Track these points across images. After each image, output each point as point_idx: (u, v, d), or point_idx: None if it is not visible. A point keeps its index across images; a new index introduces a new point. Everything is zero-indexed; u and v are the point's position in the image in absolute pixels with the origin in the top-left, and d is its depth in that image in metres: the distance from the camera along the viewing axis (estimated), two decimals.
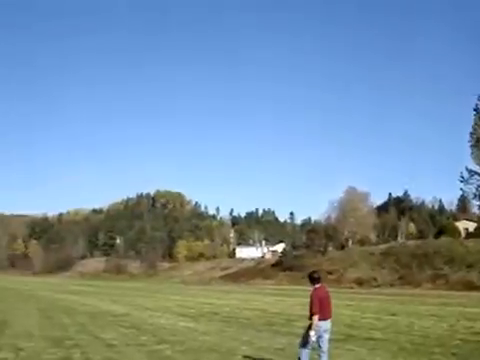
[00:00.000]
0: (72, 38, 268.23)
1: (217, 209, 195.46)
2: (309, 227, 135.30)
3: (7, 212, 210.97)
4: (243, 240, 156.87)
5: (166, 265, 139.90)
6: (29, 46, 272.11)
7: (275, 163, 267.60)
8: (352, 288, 67.92)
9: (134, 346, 14.60)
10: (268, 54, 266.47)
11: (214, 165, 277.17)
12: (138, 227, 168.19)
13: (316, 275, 10.07)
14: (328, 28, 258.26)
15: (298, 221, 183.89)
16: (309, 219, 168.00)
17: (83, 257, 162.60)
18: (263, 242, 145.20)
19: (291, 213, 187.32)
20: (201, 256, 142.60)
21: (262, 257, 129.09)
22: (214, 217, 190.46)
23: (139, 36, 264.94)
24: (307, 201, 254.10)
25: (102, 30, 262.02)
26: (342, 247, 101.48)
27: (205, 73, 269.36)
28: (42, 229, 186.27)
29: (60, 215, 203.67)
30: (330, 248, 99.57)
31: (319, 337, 9.76)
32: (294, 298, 42.60)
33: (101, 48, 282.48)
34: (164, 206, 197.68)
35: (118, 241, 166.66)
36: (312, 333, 9.53)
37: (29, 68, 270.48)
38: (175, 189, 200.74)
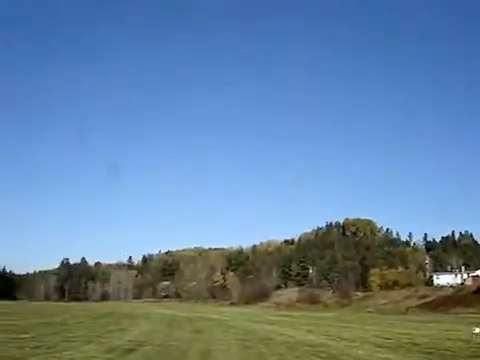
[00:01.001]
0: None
1: (410, 235, 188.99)
2: None
3: (206, 246, 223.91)
4: (440, 266, 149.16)
5: (360, 294, 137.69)
6: None
7: (469, 180, 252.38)
8: None
9: None
10: None
11: (404, 190, 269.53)
12: (329, 256, 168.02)
13: None
14: None
15: None
16: None
17: (278, 287, 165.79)
18: (462, 268, 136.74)
19: None
20: (395, 284, 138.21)
21: (462, 284, 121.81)
22: (407, 243, 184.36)
23: None
24: None
25: None
26: None
27: None
28: (238, 261, 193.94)
29: (254, 247, 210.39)
30: None
31: None
32: None
33: None
34: (354, 234, 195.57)
35: (311, 271, 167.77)
36: None
37: None
38: (364, 216, 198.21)
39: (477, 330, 9.49)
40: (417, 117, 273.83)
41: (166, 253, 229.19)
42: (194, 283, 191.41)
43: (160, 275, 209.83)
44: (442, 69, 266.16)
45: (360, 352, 22.36)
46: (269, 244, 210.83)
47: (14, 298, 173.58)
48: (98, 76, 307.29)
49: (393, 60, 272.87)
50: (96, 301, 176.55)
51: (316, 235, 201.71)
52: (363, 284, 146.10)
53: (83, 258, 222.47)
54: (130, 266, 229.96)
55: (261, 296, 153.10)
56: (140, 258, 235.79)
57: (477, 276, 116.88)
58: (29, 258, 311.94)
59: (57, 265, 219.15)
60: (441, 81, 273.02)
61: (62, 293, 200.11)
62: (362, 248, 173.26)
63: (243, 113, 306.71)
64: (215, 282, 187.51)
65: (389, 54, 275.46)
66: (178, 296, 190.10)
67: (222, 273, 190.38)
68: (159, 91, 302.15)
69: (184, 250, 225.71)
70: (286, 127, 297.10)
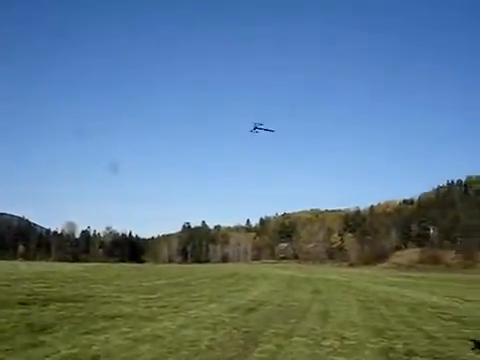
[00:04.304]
0: None
1: None
2: None
3: (322, 208, 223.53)
4: None
5: None
6: None
7: None
8: None
9: (458, 339, 14.26)
10: None
11: None
12: (452, 216, 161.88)
13: None
14: None
15: None
16: None
17: (397, 248, 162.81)
18: None
19: None
20: None
21: None
22: None
23: None
24: None
25: None
26: None
27: None
28: (355, 222, 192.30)
29: (371, 208, 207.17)
30: None
31: None
32: None
33: None
34: (478, 192, 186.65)
35: (432, 231, 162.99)
36: None
37: None
38: None
39: None
40: None
41: (283, 215, 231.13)
42: (312, 244, 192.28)
43: (278, 237, 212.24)
44: None
45: None
46: (387, 205, 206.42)
47: (140, 261, 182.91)
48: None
49: None
50: (217, 262, 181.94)
51: (437, 194, 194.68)
52: None
53: (203, 222, 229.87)
54: (248, 229, 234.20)
55: (380, 257, 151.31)
56: (258, 221, 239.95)
57: None
58: (153, 223, 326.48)
59: (179, 229, 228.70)
60: None
61: (184, 255, 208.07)
62: None
63: None
64: (332, 243, 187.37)
65: None
66: (296, 257, 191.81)
67: (340, 234, 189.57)
68: None
69: (300, 212, 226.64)
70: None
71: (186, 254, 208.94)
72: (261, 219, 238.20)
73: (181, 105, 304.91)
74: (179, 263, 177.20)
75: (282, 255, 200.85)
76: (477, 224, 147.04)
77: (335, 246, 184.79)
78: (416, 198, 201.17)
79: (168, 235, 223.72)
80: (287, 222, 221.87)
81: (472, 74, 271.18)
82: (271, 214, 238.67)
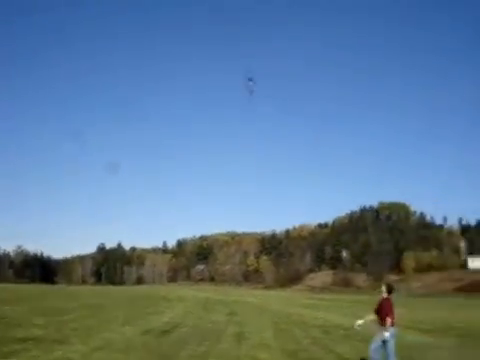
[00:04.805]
0: None
1: (444, 218, 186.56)
2: None
3: (239, 230, 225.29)
4: (475, 250, 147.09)
5: (394, 277, 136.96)
6: None
7: None
8: None
9: None
10: None
11: (438, 173, 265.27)
12: (363, 240, 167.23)
13: (393, 287, 12.16)
14: None
15: None
16: None
17: (311, 271, 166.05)
18: None
19: None
20: (430, 267, 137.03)
21: None
22: (441, 227, 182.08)
23: None
24: None
25: None
26: None
27: None
28: (272, 245, 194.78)
29: (287, 231, 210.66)
30: None
31: (386, 342, 11.21)
32: None
33: None
34: (388, 218, 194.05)
35: (344, 254, 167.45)
36: (387, 334, 11.12)
37: None
38: (399, 200, 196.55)
39: (359, 322, 10.68)
40: (448, 97, 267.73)
41: (200, 237, 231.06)
42: (228, 267, 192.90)
43: (194, 259, 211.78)
44: None
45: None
46: (302, 228, 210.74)
47: (52, 282, 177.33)
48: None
49: None
50: (132, 284, 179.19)
51: (350, 219, 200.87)
52: (397, 267, 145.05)
53: (119, 243, 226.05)
54: (165, 250, 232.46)
55: (295, 279, 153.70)
56: (174, 243, 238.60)
57: None
58: (66, 243, 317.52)
59: (94, 250, 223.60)
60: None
61: (99, 277, 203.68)
62: (396, 232, 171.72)
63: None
64: (249, 266, 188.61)
65: None
66: (212, 280, 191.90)
67: (256, 257, 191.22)
68: None
69: (218, 234, 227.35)
70: (318, 108, 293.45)
71: (100, 276, 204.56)
72: (178, 241, 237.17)
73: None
74: (93, 285, 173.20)
75: (199, 277, 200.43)
76: (387, 248, 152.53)
77: (251, 268, 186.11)
78: (330, 222, 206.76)
79: (82, 256, 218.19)
80: (204, 244, 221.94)
81: (387, 104, 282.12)
82: (188, 236, 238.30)
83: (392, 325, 11.33)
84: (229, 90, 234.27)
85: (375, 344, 11.49)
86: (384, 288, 11.92)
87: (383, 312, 11.47)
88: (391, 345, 11.33)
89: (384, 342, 11.32)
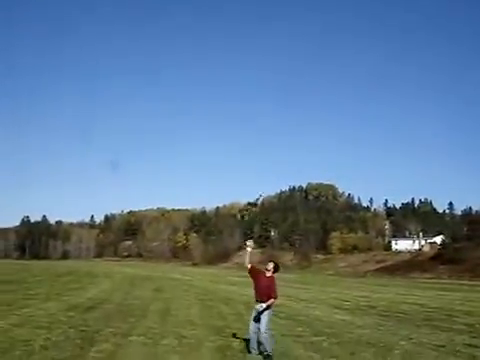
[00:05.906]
0: None
1: (370, 200, 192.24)
2: (470, 217, 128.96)
3: (169, 207, 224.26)
4: (399, 232, 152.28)
5: (320, 257, 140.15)
6: None
7: (431, 150, 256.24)
8: None
9: (290, 336, 14.86)
10: None
11: (366, 155, 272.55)
12: (292, 219, 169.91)
13: (280, 266, 12.16)
14: None
15: (458, 211, 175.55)
16: (470, 209, 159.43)
17: (239, 248, 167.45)
18: (420, 234, 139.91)
19: (450, 203, 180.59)
20: (355, 248, 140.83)
21: (419, 250, 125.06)
22: (368, 208, 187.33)
23: None
24: (467, 190, 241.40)
25: None
26: None
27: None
28: (201, 222, 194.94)
29: (217, 208, 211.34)
30: None
31: (262, 315, 11.07)
32: (455, 293, 40.88)
33: None
34: (317, 198, 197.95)
35: (273, 233, 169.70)
36: (263, 305, 11.05)
37: None
38: (327, 181, 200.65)
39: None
40: (384, 84, 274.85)
41: (128, 213, 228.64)
42: (156, 243, 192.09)
43: (122, 235, 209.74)
44: None
45: (318, 313, 22.86)
46: (232, 206, 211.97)
47: None
48: None
49: None
50: (57, 259, 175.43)
51: (279, 198, 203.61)
52: (323, 247, 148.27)
53: (44, 216, 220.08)
54: (92, 225, 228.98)
55: (223, 257, 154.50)
56: (102, 217, 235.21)
57: (434, 242, 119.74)
58: None
59: (17, 223, 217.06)
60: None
61: (23, 251, 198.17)
62: (323, 212, 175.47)
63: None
64: (177, 243, 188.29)
65: None
66: (140, 256, 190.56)
67: (185, 234, 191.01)
68: None
69: (147, 210, 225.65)
70: (254, 88, 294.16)
71: (24, 250, 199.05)
72: (106, 216, 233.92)
73: None
74: (16, 259, 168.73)
75: (126, 253, 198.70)
76: (314, 228, 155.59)
77: (179, 245, 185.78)
78: (259, 201, 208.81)
79: (5, 229, 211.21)
80: (133, 220, 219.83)
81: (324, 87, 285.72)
82: (116, 211, 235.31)
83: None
84: None
85: (253, 323, 11.43)
86: (271, 266, 11.65)
87: (267, 291, 11.19)
88: (268, 318, 11.19)
89: (259, 315, 11.15)
